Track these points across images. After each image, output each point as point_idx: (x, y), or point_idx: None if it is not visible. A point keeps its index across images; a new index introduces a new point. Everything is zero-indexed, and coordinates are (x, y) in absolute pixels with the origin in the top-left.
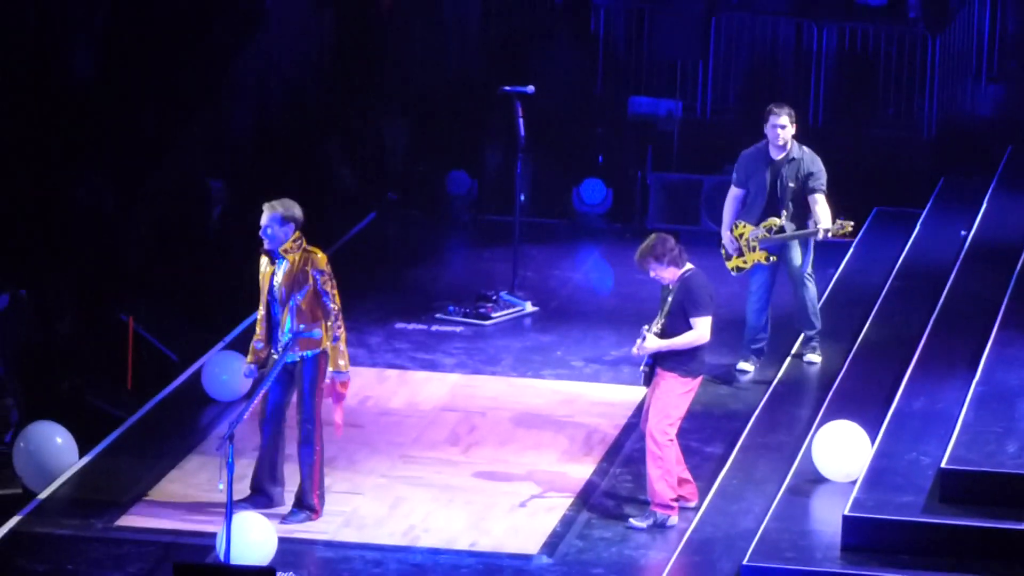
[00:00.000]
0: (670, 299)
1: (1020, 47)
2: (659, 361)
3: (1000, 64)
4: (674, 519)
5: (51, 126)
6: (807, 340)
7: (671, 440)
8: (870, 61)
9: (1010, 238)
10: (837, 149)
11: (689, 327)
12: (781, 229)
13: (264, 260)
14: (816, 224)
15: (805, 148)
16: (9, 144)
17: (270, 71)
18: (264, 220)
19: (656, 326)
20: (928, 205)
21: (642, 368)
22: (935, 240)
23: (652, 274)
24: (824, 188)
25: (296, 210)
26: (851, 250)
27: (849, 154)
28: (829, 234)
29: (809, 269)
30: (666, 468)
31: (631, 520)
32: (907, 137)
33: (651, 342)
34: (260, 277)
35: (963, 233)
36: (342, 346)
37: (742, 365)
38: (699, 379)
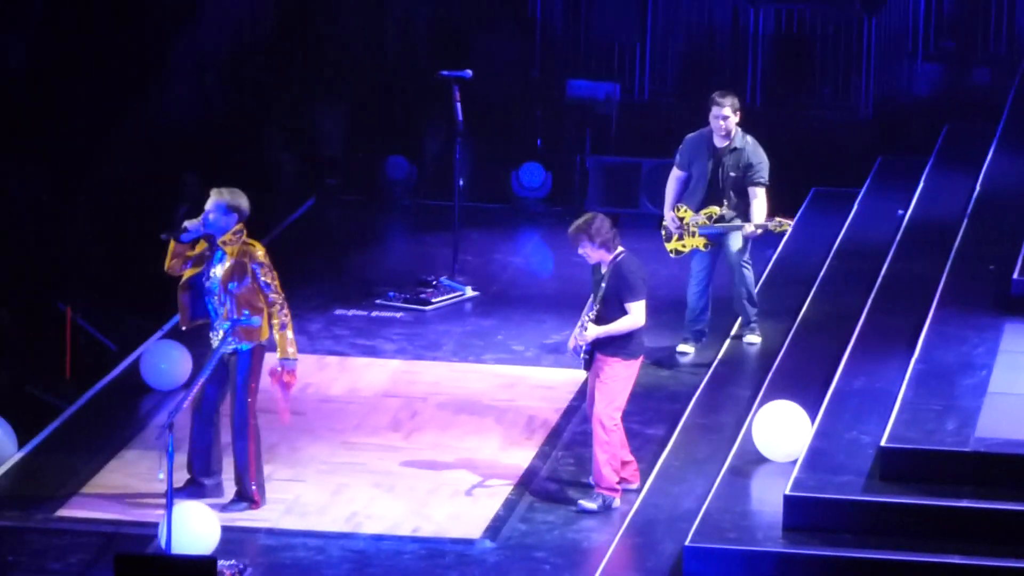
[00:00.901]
0: (603, 284)
1: (956, 26)
2: (599, 347)
3: (936, 43)
4: (617, 501)
5: None
6: (746, 322)
7: (617, 424)
8: (807, 42)
9: (947, 217)
10: (775, 130)
11: (623, 312)
12: (721, 218)
13: (203, 243)
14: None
15: (749, 138)
16: None
17: (207, 59)
18: (208, 205)
19: (591, 313)
20: (865, 185)
21: (582, 355)
22: (873, 220)
23: (580, 251)
24: (764, 181)
25: (243, 201)
26: (789, 230)
27: (786, 135)
28: (759, 232)
29: (746, 256)
30: (612, 452)
31: (581, 503)
32: (844, 117)
33: (591, 331)
34: (196, 250)
35: (900, 213)
36: (289, 334)
37: (682, 347)
38: (640, 360)
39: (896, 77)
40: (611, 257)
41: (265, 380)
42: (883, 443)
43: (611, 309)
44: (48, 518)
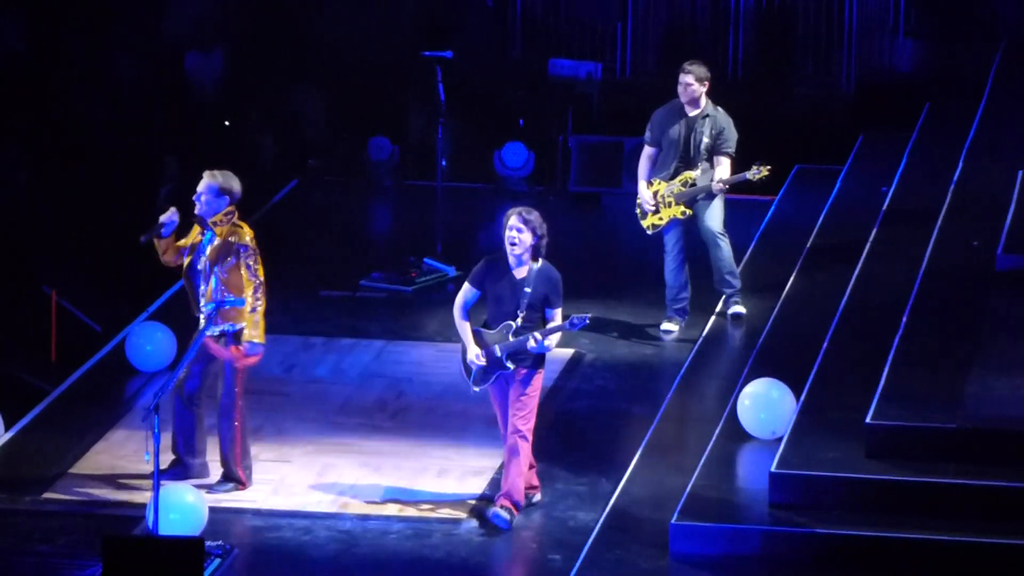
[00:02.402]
0: (528, 290)
1: (937, 1)
2: (518, 360)
3: (917, 19)
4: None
5: None
6: (728, 297)
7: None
8: (788, 18)
9: (930, 193)
10: (757, 108)
11: (544, 319)
12: (694, 183)
13: (196, 228)
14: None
15: (719, 108)
16: None
17: (187, 39)
18: (200, 187)
19: (516, 322)
20: (848, 162)
21: (506, 362)
22: (856, 196)
23: (514, 234)
24: (731, 151)
25: (235, 184)
26: (772, 208)
27: (769, 112)
28: (726, 187)
29: (721, 228)
30: (528, 463)
31: (494, 511)
32: (826, 94)
33: (554, 340)
34: (188, 239)
35: (883, 189)
36: (258, 317)
37: (666, 325)
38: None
39: (878, 53)
40: (534, 262)
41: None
42: (868, 420)
43: (534, 316)
44: (35, 500)
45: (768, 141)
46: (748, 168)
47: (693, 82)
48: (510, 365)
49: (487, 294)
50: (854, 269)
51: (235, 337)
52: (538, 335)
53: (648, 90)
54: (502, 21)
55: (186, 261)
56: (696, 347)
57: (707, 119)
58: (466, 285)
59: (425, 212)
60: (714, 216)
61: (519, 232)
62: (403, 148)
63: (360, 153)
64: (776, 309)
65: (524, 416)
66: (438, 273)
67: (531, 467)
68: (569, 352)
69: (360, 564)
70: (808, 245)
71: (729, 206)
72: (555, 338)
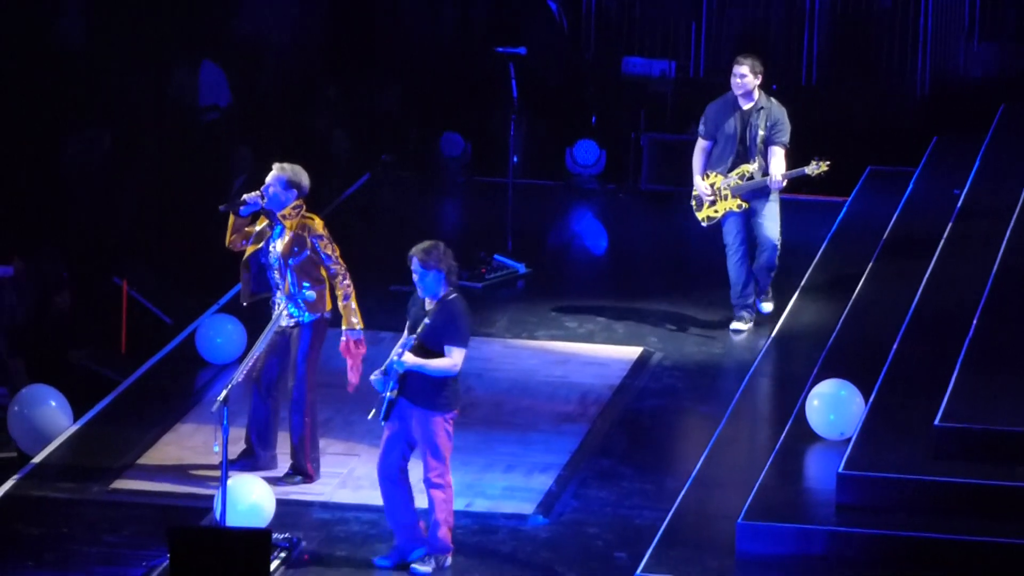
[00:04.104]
0: (426, 321)
1: (1013, 5)
2: (413, 397)
3: (993, 22)
4: (449, 559)
5: (45, 92)
6: (762, 291)
7: (449, 482)
8: (863, 20)
9: (1002, 195)
10: (830, 108)
11: (438, 355)
12: (752, 177)
13: (262, 219)
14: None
15: (773, 100)
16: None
17: (264, 34)
18: (269, 178)
19: (405, 348)
20: (921, 164)
21: (388, 394)
22: (928, 198)
23: (416, 274)
24: (785, 143)
25: (304, 178)
26: (845, 209)
27: (842, 113)
28: (784, 181)
29: (779, 235)
30: (449, 510)
31: (414, 567)
32: (900, 96)
33: (408, 357)
34: (256, 228)
35: (956, 191)
36: (353, 304)
37: (736, 324)
38: (456, 412)
39: (952, 55)
40: (443, 295)
41: (327, 352)
42: (937, 422)
43: (429, 350)
44: (103, 490)
45: (841, 141)
46: (807, 163)
47: (748, 73)
48: (389, 378)
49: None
50: (925, 270)
51: (313, 327)
52: (405, 351)
53: (721, 89)
54: (575, 19)
55: (248, 250)
56: (765, 347)
57: (761, 111)
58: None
59: (496, 208)
60: (772, 221)
61: (415, 274)
62: (475, 144)
63: (433, 149)
64: (847, 310)
65: (429, 464)
66: (508, 270)
67: (451, 514)
68: (637, 351)
69: None
70: (880, 246)
71: (801, 207)
72: (411, 358)
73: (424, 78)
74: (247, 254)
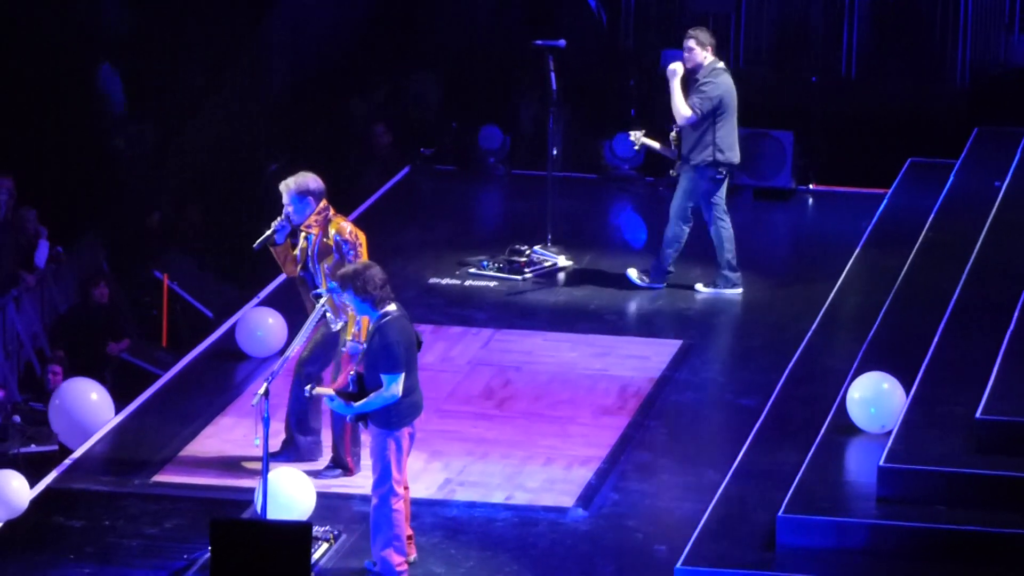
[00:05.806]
0: (364, 347)
1: None
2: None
3: None
4: None
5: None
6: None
7: (399, 499)
8: (902, 11)
9: None
10: (870, 100)
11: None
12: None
13: (300, 236)
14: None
15: (721, 73)
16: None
17: (303, 27)
18: (284, 200)
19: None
20: (962, 156)
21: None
22: (969, 190)
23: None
24: (694, 106)
25: (311, 182)
26: (885, 201)
27: (882, 105)
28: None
29: (673, 211)
30: (396, 533)
31: None
32: (940, 87)
33: (321, 390)
34: (296, 248)
35: (997, 183)
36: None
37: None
38: (407, 429)
39: (993, 47)
40: (379, 317)
41: None
42: (978, 415)
43: (374, 376)
44: (144, 483)
45: (881, 133)
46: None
47: (695, 47)
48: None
49: None
50: (967, 263)
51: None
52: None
53: (759, 81)
54: (614, 13)
55: (299, 268)
56: (806, 339)
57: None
58: None
59: (535, 201)
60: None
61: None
62: (514, 137)
63: (472, 142)
64: (887, 302)
65: (376, 479)
66: (548, 262)
67: (402, 535)
68: (677, 344)
69: (466, 551)
70: (920, 238)
71: (841, 199)
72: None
73: (463, 72)
74: (298, 272)
